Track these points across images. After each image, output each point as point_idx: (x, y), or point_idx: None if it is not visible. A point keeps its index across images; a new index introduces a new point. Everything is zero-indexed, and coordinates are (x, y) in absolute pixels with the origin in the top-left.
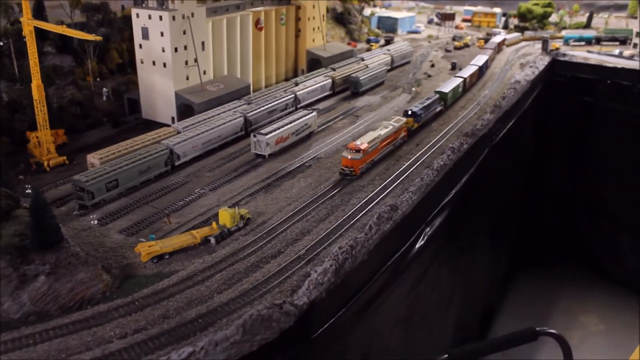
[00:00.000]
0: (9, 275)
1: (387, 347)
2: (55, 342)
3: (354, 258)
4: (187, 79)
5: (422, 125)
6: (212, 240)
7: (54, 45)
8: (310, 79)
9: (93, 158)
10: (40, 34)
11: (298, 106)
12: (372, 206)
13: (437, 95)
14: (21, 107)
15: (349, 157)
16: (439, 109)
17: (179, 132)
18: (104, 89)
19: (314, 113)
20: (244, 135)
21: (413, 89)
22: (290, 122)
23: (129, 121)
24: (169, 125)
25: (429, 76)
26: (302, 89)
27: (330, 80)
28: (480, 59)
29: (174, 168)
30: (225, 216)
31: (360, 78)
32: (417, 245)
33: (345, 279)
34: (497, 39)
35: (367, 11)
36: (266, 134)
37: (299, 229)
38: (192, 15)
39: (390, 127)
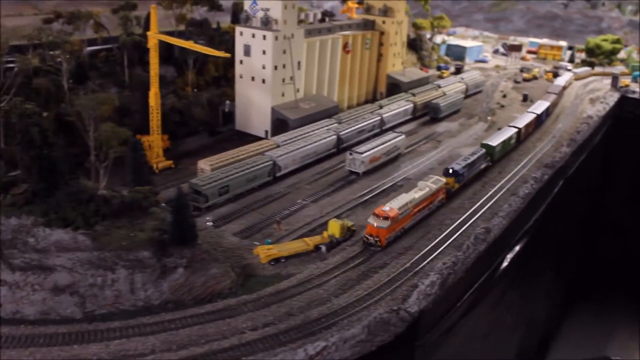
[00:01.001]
0: (153, 265)
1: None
2: (195, 329)
3: (455, 273)
4: (283, 95)
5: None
6: (323, 248)
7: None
8: (393, 102)
9: (204, 164)
10: (139, 46)
11: (383, 128)
12: (465, 227)
13: (483, 150)
14: (129, 112)
15: (375, 224)
16: (484, 165)
17: (278, 146)
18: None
19: (403, 136)
20: (336, 152)
21: (489, 118)
22: (383, 143)
23: (223, 131)
24: (262, 138)
25: (502, 106)
26: (387, 112)
27: (412, 105)
28: (540, 106)
29: (275, 179)
30: (335, 227)
31: (441, 104)
32: (501, 268)
33: (447, 293)
34: (561, 82)
35: (438, 39)
36: (362, 153)
37: (401, 244)
38: (292, 36)
39: (427, 189)
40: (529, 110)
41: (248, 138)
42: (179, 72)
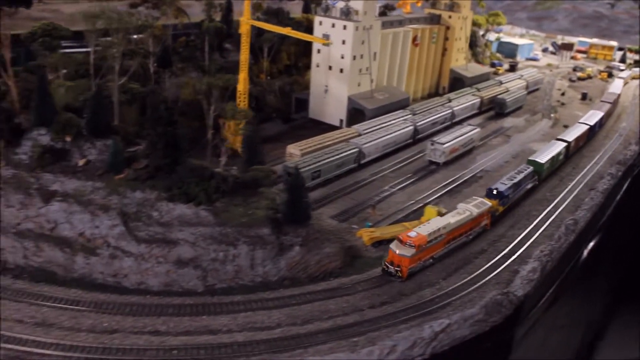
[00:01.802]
0: (272, 242)
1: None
2: (316, 305)
3: (552, 261)
4: (359, 85)
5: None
6: None
7: (235, 43)
8: (461, 96)
9: (293, 149)
10: (220, 32)
11: (453, 121)
12: (553, 219)
13: (530, 168)
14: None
15: (397, 251)
16: (530, 185)
17: (359, 134)
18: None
19: (478, 129)
20: (412, 143)
21: (552, 115)
22: (461, 135)
23: (296, 119)
24: (335, 127)
25: (562, 104)
26: (458, 106)
27: (479, 99)
28: (594, 117)
29: (360, 166)
30: (432, 213)
31: (507, 100)
32: (580, 261)
33: (544, 279)
34: (616, 89)
35: (492, 36)
36: (443, 144)
37: (494, 232)
38: (371, 27)
39: (467, 213)
40: (581, 121)
41: (322, 126)
42: (254, 60)
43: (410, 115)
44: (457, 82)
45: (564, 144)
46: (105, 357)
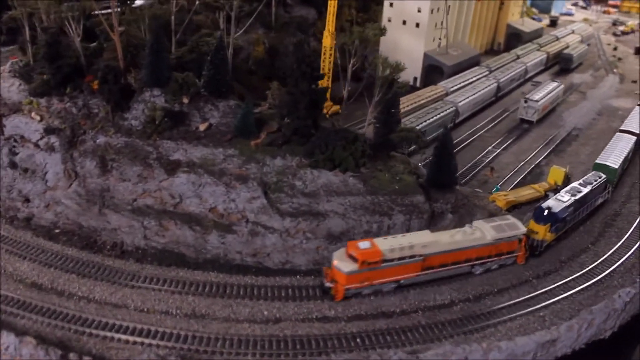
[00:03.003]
0: (427, 210)
1: None
2: (484, 278)
3: None
4: (433, 41)
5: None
6: (551, 195)
7: None
8: (527, 52)
9: None
10: None
11: (525, 78)
12: None
13: (602, 177)
14: (277, 54)
15: (335, 262)
16: (601, 200)
17: (447, 93)
18: None
19: (562, 85)
20: (494, 100)
21: (614, 70)
22: (550, 92)
23: (362, 77)
24: (412, 86)
25: (619, 59)
26: (529, 62)
27: (545, 55)
28: None
29: (454, 125)
30: (559, 174)
31: (574, 55)
32: None
33: None
34: None
35: None
36: (538, 101)
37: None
38: None
39: (475, 235)
40: None
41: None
42: (318, 15)
43: (489, 72)
44: (514, 38)
45: (634, 138)
46: (284, 351)
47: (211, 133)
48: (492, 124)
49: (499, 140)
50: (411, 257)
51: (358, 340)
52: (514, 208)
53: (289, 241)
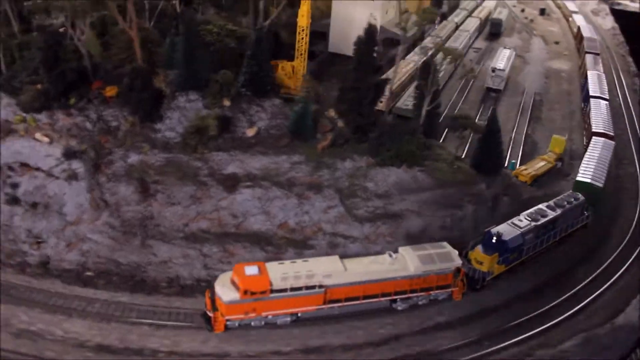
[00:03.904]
0: (488, 197)
1: None
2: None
3: None
4: (387, 13)
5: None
6: (559, 164)
7: None
8: (463, 19)
9: None
10: None
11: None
12: None
13: (580, 199)
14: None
15: (217, 288)
16: (576, 226)
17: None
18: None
19: (515, 51)
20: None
21: (534, 32)
22: (510, 59)
23: (317, 54)
24: None
25: (531, 20)
26: (470, 29)
27: (479, 21)
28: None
29: None
30: (560, 142)
31: (502, 20)
32: None
33: None
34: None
35: None
36: (504, 70)
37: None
38: None
39: (397, 264)
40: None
41: (348, 60)
42: None
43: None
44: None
45: (612, 144)
46: None
47: (262, 138)
48: (464, 95)
49: (480, 111)
50: (309, 287)
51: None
52: (535, 181)
53: (370, 248)
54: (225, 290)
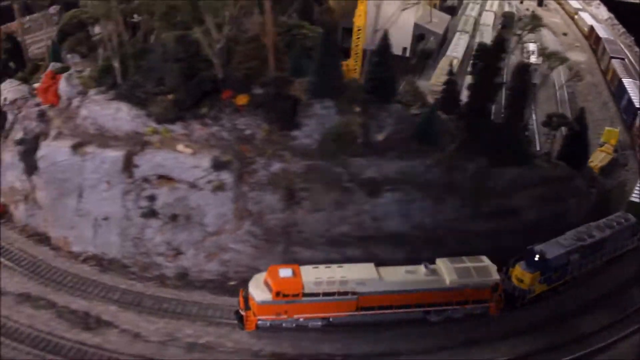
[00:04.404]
0: (585, 191)
1: None
2: None
3: None
4: (418, 10)
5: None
6: (616, 155)
7: None
8: (480, 14)
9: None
10: None
11: None
12: None
13: (632, 220)
14: None
15: (250, 288)
16: (626, 248)
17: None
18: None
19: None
20: None
21: None
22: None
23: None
24: (399, 56)
25: (532, 12)
26: (488, 22)
27: (494, 14)
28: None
29: None
30: (614, 134)
31: (514, 13)
32: None
33: None
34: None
35: None
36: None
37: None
38: None
39: (433, 276)
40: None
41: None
42: None
43: (470, 37)
44: None
45: None
46: None
47: (392, 143)
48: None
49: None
50: (342, 293)
51: None
52: (601, 173)
53: (496, 243)
54: (258, 291)
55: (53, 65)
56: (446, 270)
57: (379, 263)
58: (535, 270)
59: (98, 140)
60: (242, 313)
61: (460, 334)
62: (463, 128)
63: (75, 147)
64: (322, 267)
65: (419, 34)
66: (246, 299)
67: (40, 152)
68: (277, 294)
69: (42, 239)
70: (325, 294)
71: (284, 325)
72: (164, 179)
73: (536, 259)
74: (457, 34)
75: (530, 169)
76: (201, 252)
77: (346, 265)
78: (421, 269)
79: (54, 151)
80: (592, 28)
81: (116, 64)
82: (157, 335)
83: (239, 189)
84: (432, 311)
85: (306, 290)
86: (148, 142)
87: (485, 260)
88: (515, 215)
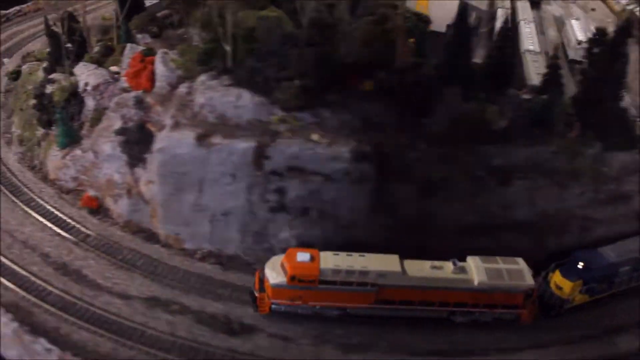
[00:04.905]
0: None
1: None
2: None
3: None
4: None
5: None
6: None
7: None
8: None
9: None
10: None
11: None
12: None
13: None
14: None
15: (266, 270)
16: None
17: None
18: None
19: None
20: None
21: None
22: None
23: None
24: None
25: None
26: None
27: None
28: None
29: None
30: None
31: None
32: None
33: None
34: None
35: None
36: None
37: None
38: None
39: (462, 274)
40: None
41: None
42: None
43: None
44: None
45: None
46: None
47: (513, 129)
48: None
49: None
50: (361, 284)
51: None
52: None
53: (613, 230)
54: (273, 273)
55: (132, 48)
56: (476, 270)
57: (508, 253)
58: (577, 278)
59: (222, 130)
60: (256, 294)
61: (484, 338)
62: (579, 114)
63: (201, 139)
64: (343, 254)
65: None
66: (262, 280)
67: (157, 144)
68: (292, 278)
69: (149, 235)
70: (343, 283)
71: (299, 311)
72: (296, 170)
73: (579, 266)
74: (522, 22)
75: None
76: (333, 246)
77: (368, 255)
78: (449, 265)
79: (175, 143)
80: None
81: (227, 47)
82: (308, 338)
83: (377, 180)
84: (457, 312)
85: (323, 278)
86: (277, 132)
87: (521, 263)
88: (627, 202)
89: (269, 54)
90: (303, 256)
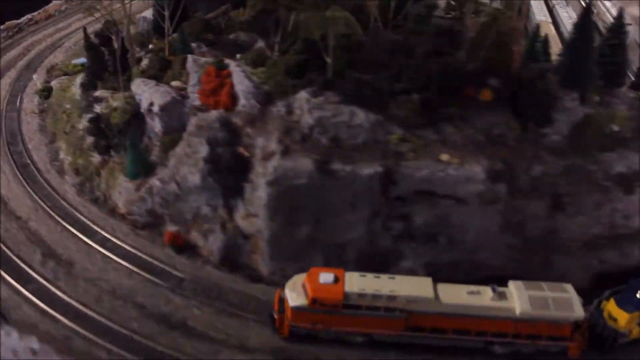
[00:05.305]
0: None
1: None
2: None
3: None
4: None
5: None
6: None
7: None
8: None
9: None
10: None
11: None
12: None
13: None
14: None
15: (287, 291)
16: None
17: None
18: None
19: None
20: None
21: None
22: None
23: None
24: None
25: None
26: None
27: None
28: None
29: None
30: None
31: None
32: None
33: None
34: None
35: None
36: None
37: None
38: None
39: (502, 302)
40: None
41: None
42: None
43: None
44: None
45: None
46: None
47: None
48: None
49: None
50: (389, 310)
51: None
52: None
53: None
54: (294, 294)
55: (194, 60)
56: (518, 297)
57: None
58: (635, 309)
59: (339, 154)
60: (275, 316)
61: None
62: None
63: (320, 166)
64: (370, 275)
65: None
66: (282, 300)
67: (268, 174)
68: (314, 301)
69: (249, 273)
70: (369, 308)
71: (321, 336)
72: (424, 195)
73: (639, 295)
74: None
75: None
76: (461, 271)
77: (398, 278)
78: (487, 291)
79: (291, 172)
80: None
81: (328, 59)
82: None
83: (508, 199)
84: (496, 342)
85: (347, 302)
86: (399, 153)
87: (570, 291)
88: None
89: (376, 64)
90: (326, 277)
